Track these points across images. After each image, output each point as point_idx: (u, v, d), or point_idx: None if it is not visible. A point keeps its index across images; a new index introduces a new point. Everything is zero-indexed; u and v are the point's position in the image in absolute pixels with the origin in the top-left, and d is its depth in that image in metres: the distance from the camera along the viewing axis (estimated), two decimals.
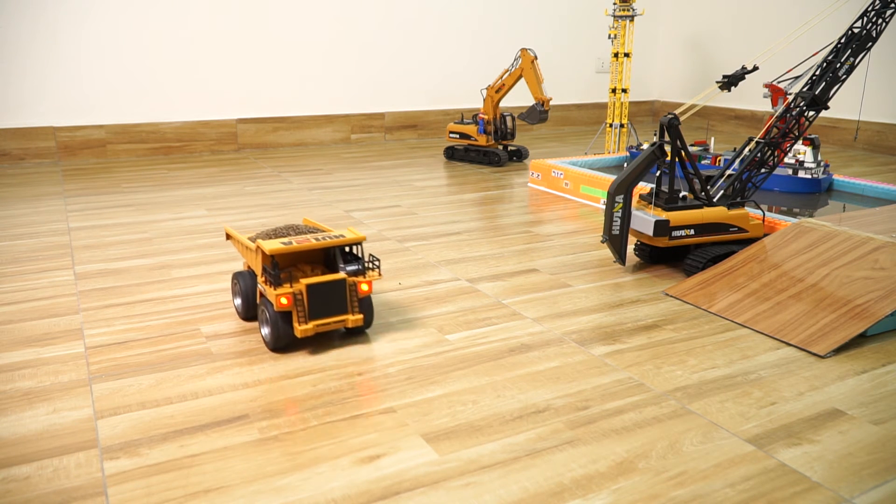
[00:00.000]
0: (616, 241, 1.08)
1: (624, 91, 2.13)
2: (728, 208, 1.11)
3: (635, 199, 1.15)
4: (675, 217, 1.08)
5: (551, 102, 2.50)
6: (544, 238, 1.32)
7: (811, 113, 1.12)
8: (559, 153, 2.28)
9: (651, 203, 1.11)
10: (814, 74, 1.12)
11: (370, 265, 0.87)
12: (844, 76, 1.11)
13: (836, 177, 1.71)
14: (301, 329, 0.81)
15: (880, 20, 1.09)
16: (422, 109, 2.61)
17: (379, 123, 2.55)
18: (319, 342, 0.86)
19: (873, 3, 1.09)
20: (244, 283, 0.90)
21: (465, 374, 0.78)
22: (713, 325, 0.92)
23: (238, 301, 0.92)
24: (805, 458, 0.63)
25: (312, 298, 0.81)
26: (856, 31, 1.10)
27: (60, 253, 1.22)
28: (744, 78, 1.34)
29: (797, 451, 0.64)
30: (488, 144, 2.07)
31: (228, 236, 0.95)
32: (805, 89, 1.12)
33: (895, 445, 0.65)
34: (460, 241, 1.30)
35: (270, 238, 0.86)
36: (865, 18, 1.09)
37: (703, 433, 0.67)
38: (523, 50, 1.95)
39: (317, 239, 0.83)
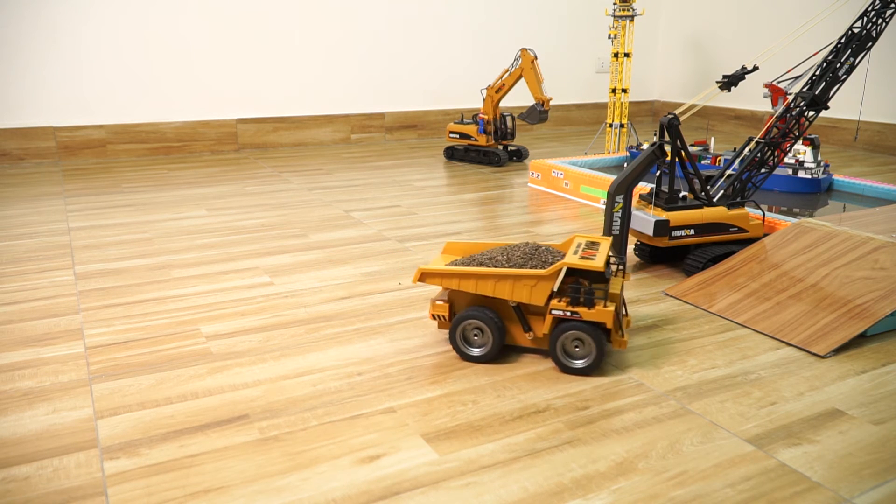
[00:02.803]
0: (616, 241, 1.08)
1: (624, 91, 2.13)
2: (728, 208, 1.11)
3: (635, 199, 1.15)
4: (675, 217, 1.08)
5: (551, 102, 2.50)
6: (544, 238, 1.32)
7: (811, 113, 1.12)
8: (559, 153, 2.28)
9: (651, 203, 1.11)
10: (814, 74, 1.12)
11: (618, 266, 0.86)
12: (844, 76, 1.11)
13: (836, 177, 1.71)
14: (624, 340, 0.79)
15: (880, 20, 1.09)
16: (422, 109, 2.61)
17: (379, 123, 2.55)
18: (320, 342, 0.87)
19: (873, 3, 1.09)
20: (492, 322, 0.79)
21: (465, 374, 0.78)
22: (713, 325, 0.92)
23: (478, 349, 0.81)
24: (805, 458, 0.63)
25: (618, 308, 0.79)
26: (856, 31, 1.10)
27: (60, 253, 1.22)
28: (744, 78, 1.34)
29: (797, 451, 0.64)
30: (488, 144, 2.07)
31: (426, 276, 0.80)
32: (805, 89, 1.12)
33: (895, 445, 0.65)
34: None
35: (502, 264, 0.81)
36: (865, 18, 1.09)
37: (703, 433, 0.67)
38: (523, 50, 1.95)
39: (596, 248, 0.81)
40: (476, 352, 0.81)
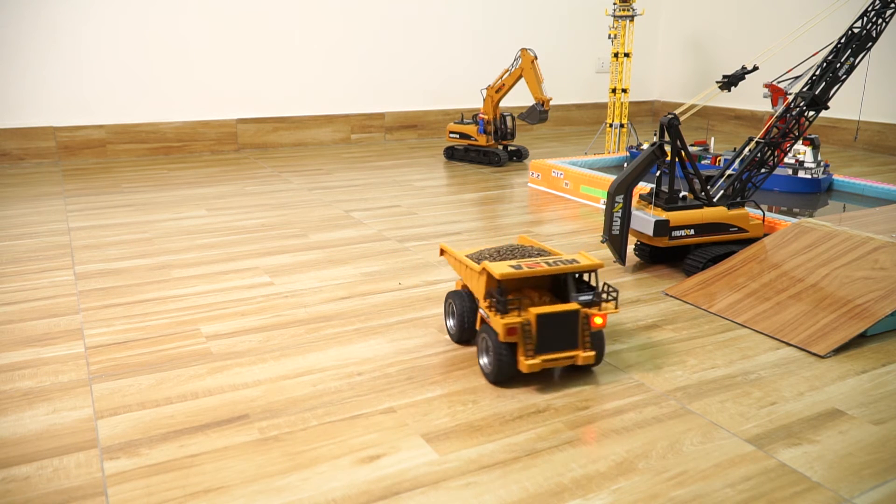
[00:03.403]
0: (616, 241, 1.08)
1: (624, 91, 2.13)
2: (728, 208, 1.11)
3: (635, 199, 1.15)
4: (675, 217, 1.08)
5: (551, 102, 2.50)
6: (544, 238, 1.32)
7: (811, 113, 1.12)
8: (559, 153, 2.28)
9: (651, 203, 1.11)
10: (814, 74, 1.12)
11: (607, 296, 0.79)
12: (844, 76, 1.11)
13: (836, 177, 1.71)
14: (528, 364, 0.73)
15: (880, 20, 1.09)
16: (422, 109, 2.61)
17: (379, 123, 2.55)
18: (320, 342, 0.87)
19: (873, 3, 1.09)
20: (460, 305, 0.84)
21: (465, 374, 0.78)
22: (713, 325, 0.92)
23: (451, 322, 0.87)
24: (805, 458, 0.63)
25: (542, 330, 0.73)
26: (856, 31, 1.10)
27: (60, 253, 1.22)
28: (744, 78, 1.34)
29: (797, 451, 0.64)
30: (488, 144, 2.07)
31: (443, 252, 0.89)
32: (805, 89, 1.12)
33: (895, 445, 0.65)
34: (460, 241, 1.30)
35: (495, 259, 0.81)
36: (865, 18, 1.09)
37: (703, 433, 0.67)
38: (523, 50, 1.95)
39: (548, 263, 0.76)
40: (449, 324, 0.88)
